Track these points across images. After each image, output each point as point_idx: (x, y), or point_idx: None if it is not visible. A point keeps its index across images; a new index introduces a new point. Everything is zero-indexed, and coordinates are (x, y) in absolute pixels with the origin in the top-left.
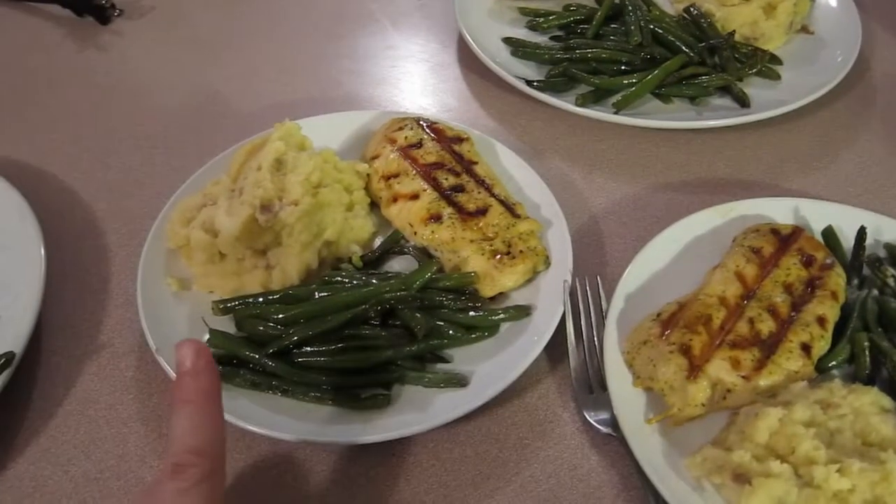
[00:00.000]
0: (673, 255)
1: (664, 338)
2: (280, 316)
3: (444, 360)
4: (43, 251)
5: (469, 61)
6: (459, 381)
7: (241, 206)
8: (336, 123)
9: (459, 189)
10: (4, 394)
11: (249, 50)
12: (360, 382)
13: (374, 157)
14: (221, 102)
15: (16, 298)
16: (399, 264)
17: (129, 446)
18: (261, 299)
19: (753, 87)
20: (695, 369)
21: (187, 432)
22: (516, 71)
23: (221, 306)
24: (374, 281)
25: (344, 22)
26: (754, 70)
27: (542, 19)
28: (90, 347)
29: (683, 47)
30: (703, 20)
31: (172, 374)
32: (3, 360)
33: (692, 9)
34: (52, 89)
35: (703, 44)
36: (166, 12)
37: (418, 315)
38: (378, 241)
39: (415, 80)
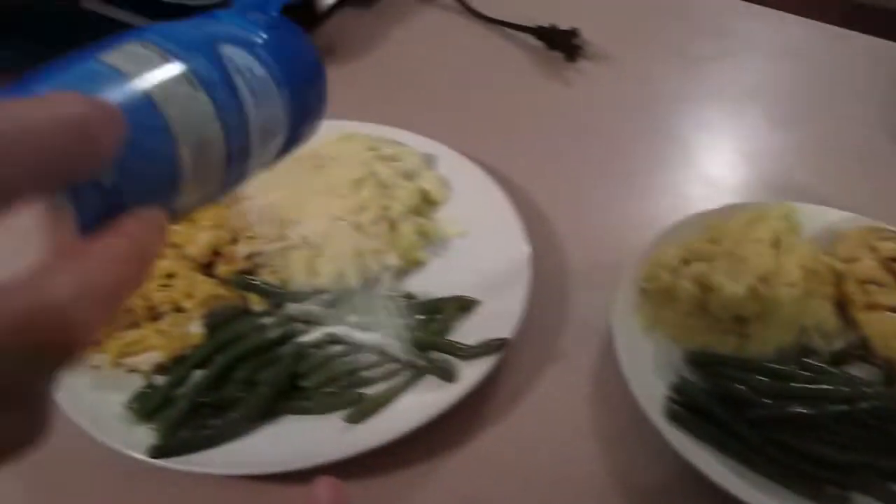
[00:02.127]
0: None
1: None
2: (761, 387)
3: None
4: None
5: None
6: None
7: (742, 273)
8: (808, 214)
9: None
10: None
11: (705, 123)
12: (825, 476)
13: (850, 259)
14: (671, 161)
15: (500, 292)
16: (858, 369)
17: (582, 456)
18: (738, 363)
19: None
20: None
21: None
22: None
23: (695, 358)
24: (860, 384)
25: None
26: None
27: None
28: (551, 353)
29: None
30: None
31: (640, 401)
32: (498, 343)
33: None
34: (522, 110)
35: None
36: (629, 63)
37: None
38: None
39: (872, 183)
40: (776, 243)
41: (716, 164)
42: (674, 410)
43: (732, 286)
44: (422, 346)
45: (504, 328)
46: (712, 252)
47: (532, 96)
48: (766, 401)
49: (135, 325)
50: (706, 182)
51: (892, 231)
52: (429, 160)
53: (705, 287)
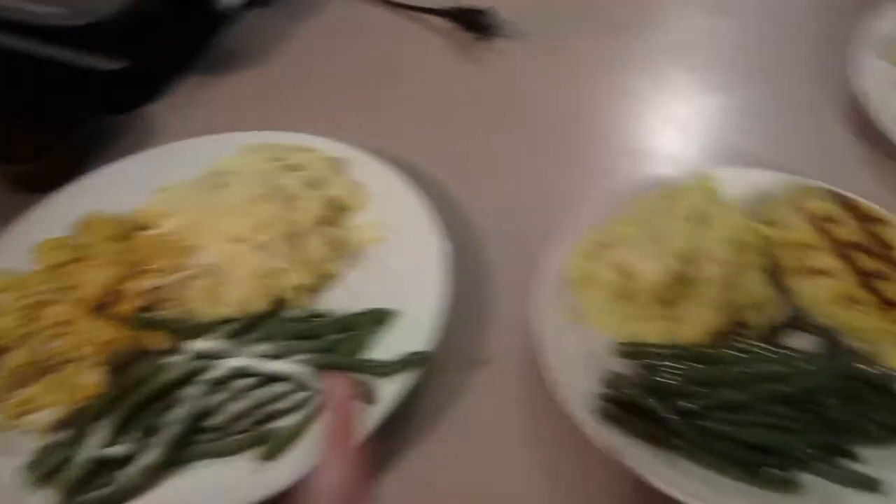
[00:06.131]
0: None
1: None
2: (693, 374)
3: (854, 458)
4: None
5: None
6: (871, 485)
7: (660, 255)
8: (729, 180)
9: (879, 275)
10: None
11: (630, 92)
12: (759, 460)
13: (779, 224)
14: (597, 136)
15: (419, 299)
16: (798, 340)
17: (516, 468)
18: (669, 350)
19: None
20: None
21: None
22: None
23: (627, 349)
24: (795, 359)
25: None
26: None
27: None
28: (476, 358)
29: None
30: None
31: (568, 403)
32: (418, 357)
33: None
34: (439, 99)
35: None
36: (548, 38)
37: (838, 405)
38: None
39: (804, 143)
40: (695, 217)
41: (642, 135)
42: (605, 409)
43: (650, 269)
44: (334, 369)
45: (424, 339)
46: (633, 234)
47: (448, 83)
48: (698, 389)
49: (24, 382)
50: (635, 155)
51: (822, 190)
52: (340, 165)
53: (626, 273)
